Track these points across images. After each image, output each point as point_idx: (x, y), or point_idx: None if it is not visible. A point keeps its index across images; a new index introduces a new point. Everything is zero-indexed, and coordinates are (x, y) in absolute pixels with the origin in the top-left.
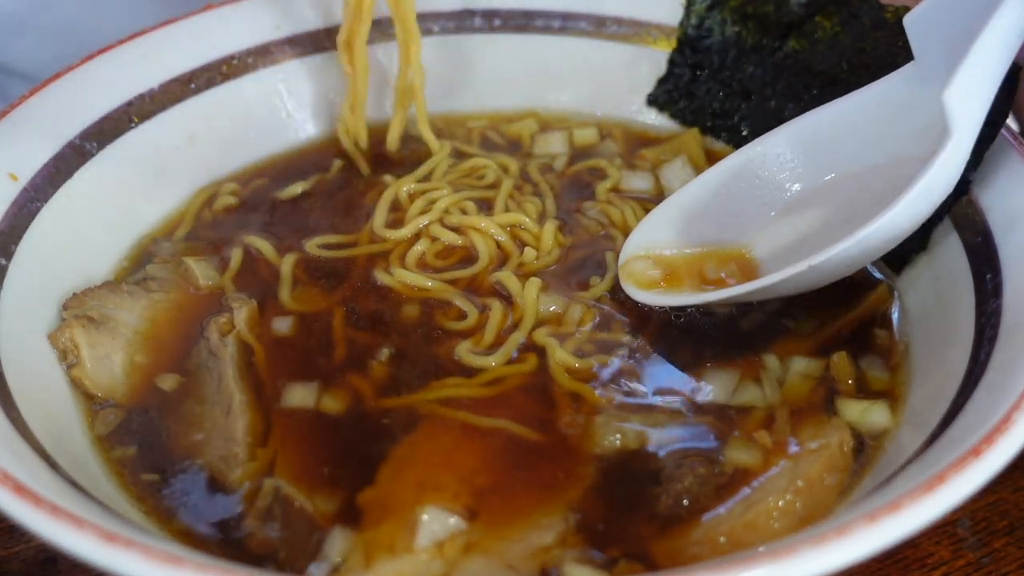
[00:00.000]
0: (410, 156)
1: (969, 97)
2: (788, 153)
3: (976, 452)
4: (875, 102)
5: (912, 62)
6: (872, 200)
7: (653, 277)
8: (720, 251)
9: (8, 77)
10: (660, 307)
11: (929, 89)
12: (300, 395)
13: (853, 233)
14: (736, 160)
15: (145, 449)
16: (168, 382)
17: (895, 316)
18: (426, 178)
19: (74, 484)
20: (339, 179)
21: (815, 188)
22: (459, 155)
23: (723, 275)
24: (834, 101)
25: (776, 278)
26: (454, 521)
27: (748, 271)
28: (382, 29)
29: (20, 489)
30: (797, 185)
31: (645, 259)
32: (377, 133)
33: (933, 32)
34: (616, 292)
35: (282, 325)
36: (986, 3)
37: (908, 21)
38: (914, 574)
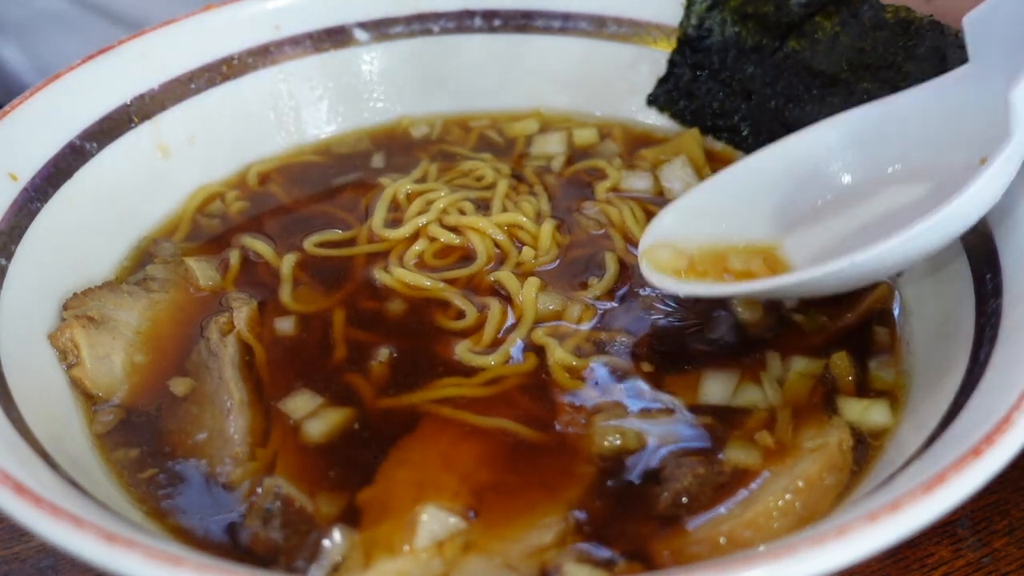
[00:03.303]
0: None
1: None
2: (832, 145)
3: (976, 452)
4: (923, 104)
5: (967, 64)
6: (912, 205)
7: (676, 266)
8: (748, 246)
9: (114, 25)
10: (679, 296)
11: (983, 93)
12: (301, 398)
13: (906, 228)
14: (776, 150)
15: (145, 449)
16: (181, 387)
17: (896, 315)
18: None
19: (74, 484)
20: (338, 179)
21: (854, 188)
22: (448, 157)
23: (749, 268)
24: (881, 100)
25: (813, 273)
26: (454, 521)
27: (775, 268)
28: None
29: (20, 489)
30: (837, 182)
31: (670, 247)
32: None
33: (994, 34)
34: (615, 291)
35: (282, 325)
36: None
37: (967, 21)
38: (914, 574)
